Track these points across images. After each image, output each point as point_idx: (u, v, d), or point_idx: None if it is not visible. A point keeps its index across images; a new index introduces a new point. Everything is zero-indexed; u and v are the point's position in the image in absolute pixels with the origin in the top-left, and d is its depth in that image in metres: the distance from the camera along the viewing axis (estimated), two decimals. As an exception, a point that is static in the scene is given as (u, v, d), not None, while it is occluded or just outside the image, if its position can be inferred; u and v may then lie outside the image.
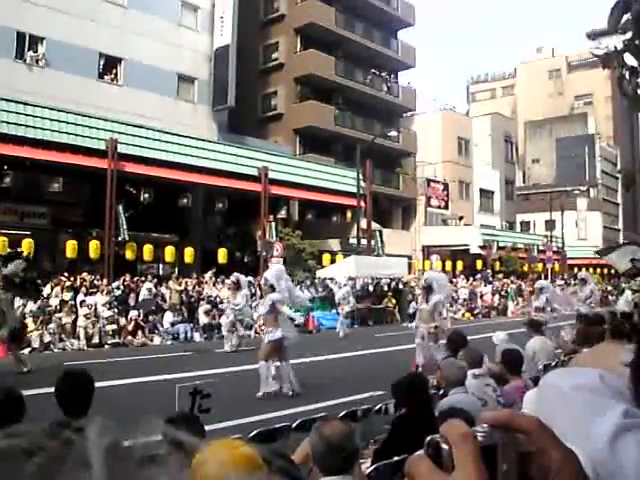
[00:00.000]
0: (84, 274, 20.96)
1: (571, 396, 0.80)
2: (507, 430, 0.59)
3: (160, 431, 0.47)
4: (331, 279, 27.01)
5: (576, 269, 47.40)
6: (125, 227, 23.07)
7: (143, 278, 22.30)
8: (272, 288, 10.52)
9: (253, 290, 21.49)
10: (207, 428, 3.59)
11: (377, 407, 5.48)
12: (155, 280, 22.40)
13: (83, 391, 3.68)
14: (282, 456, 2.60)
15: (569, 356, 7.89)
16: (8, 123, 20.77)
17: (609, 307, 26.42)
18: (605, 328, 7.04)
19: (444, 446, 0.57)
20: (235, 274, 17.22)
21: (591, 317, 10.30)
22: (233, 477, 0.71)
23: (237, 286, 16.74)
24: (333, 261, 29.67)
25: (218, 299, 22.11)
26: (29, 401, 3.50)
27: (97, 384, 3.83)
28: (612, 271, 43.15)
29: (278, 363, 10.34)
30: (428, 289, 12.19)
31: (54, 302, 18.58)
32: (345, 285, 24.58)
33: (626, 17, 6.14)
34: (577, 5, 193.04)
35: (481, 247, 40.39)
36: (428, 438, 0.59)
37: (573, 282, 43.54)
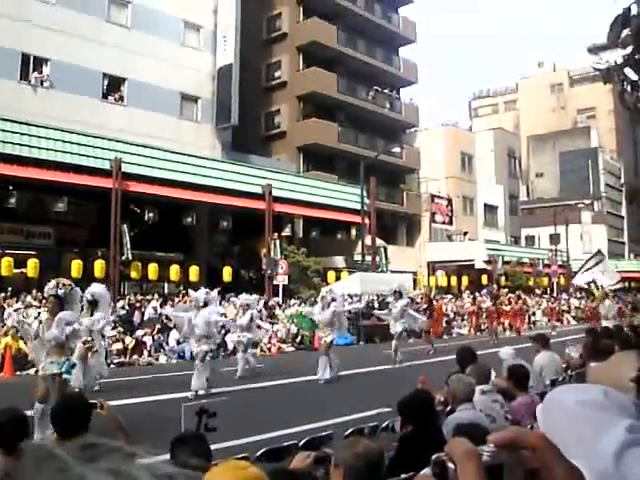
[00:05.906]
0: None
1: (576, 412, 0.80)
2: (513, 448, 0.59)
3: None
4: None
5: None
6: (129, 246, 23.10)
7: (149, 297, 22.30)
8: None
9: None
10: (214, 447, 3.58)
11: (385, 424, 5.45)
12: (160, 299, 22.38)
13: (78, 415, 3.65)
14: (290, 475, 2.59)
15: (577, 371, 7.84)
16: (13, 144, 20.88)
17: None
18: (613, 342, 7.02)
19: (450, 465, 0.58)
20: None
21: (600, 331, 10.28)
22: None
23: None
24: (338, 278, 29.59)
25: (224, 317, 22.05)
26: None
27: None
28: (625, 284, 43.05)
29: None
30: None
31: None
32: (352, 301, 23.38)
33: (625, 32, 6.18)
34: (578, 20, 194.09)
35: (486, 262, 40.34)
36: (434, 457, 0.59)
37: (578, 295, 43.49)
